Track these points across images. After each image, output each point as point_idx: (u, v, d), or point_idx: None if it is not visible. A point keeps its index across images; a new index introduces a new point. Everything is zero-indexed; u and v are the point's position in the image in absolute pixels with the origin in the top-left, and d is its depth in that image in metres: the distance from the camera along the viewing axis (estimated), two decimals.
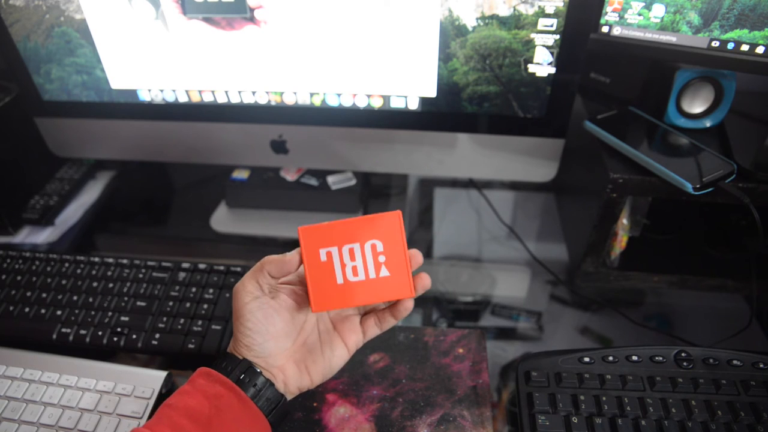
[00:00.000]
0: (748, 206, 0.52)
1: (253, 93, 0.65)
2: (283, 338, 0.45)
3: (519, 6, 0.54)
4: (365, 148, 0.69)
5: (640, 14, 0.55)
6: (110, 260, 0.64)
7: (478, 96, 0.61)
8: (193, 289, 0.60)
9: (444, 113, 0.63)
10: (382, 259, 0.43)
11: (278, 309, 0.44)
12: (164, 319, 0.58)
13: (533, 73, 0.58)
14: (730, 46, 0.52)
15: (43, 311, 0.59)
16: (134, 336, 0.57)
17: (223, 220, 0.78)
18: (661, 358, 0.51)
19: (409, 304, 0.45)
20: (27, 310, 0.59)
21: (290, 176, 0.78)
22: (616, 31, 0.57)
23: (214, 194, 0.81)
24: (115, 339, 0.57)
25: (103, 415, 0.50)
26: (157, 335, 0.57)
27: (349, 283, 0.43)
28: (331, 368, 0.47)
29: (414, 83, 0.61)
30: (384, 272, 0.43)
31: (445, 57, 0.59)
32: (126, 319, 0.58)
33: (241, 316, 0.43)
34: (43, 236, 0.75)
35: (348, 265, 0.43)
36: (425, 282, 0.44)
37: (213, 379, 0.42)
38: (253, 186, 0.77)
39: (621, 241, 0.65)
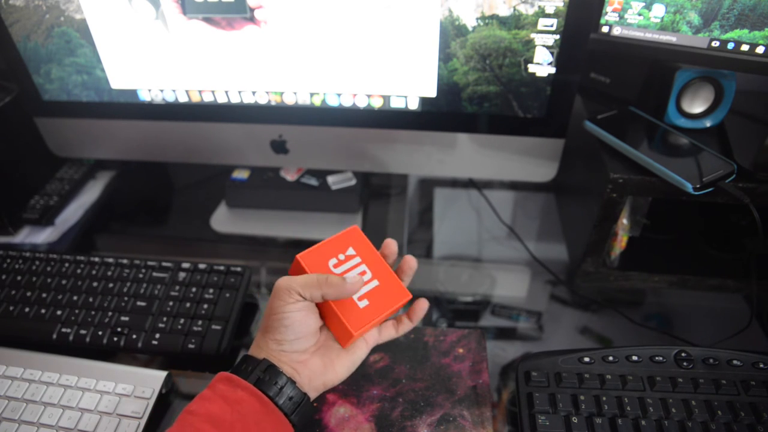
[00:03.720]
0: (748, 206, 0.52)
1: (253, 93, 0.65)
2: (312, 336, 0.46)
3: (519, 6, 0.54)
4: (365, 148, 0.69)
5: (640, 14, 0.55)
6: (110, 260, 0.64)
7: (478, 96, 0.61)
8: (193, 289, 0.60)
9: (444, 113, 0.63)
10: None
11: (313, 311, 0.46)
12: (164, 319, 0.58)
13: (533, 73, 0.58)
14: (730, 46, 0.52)
15: (43, 311, 0.59)
16: (134, 336, 0.57)
17: (223, 220, 0.78)
18: (661, 358, 0.51)
19: (424, 305, 0.49)
20: (27, 310, 0.59)
21: (290, 176, 0.78)
22: (616, 31, 0.57)
23: (214, 194, 0.81)
24: (115, 339, 0.57)
25: (103, 415, 0.50)
26: (157, 335, 0.57)
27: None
28: (354, 362, 0.48)
29: (414, 83, 0.61)
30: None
31: (445, 57, 0.59)
32: (126, 319, 0.58)
33: (282, 315, 0.44)
34: (43, 236, 0.75)
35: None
36: (412, 266, 0.50)
37: (234, 384, 0.42)
38: (253, 186, 0.77)
39: (621, 241, 0.65)
